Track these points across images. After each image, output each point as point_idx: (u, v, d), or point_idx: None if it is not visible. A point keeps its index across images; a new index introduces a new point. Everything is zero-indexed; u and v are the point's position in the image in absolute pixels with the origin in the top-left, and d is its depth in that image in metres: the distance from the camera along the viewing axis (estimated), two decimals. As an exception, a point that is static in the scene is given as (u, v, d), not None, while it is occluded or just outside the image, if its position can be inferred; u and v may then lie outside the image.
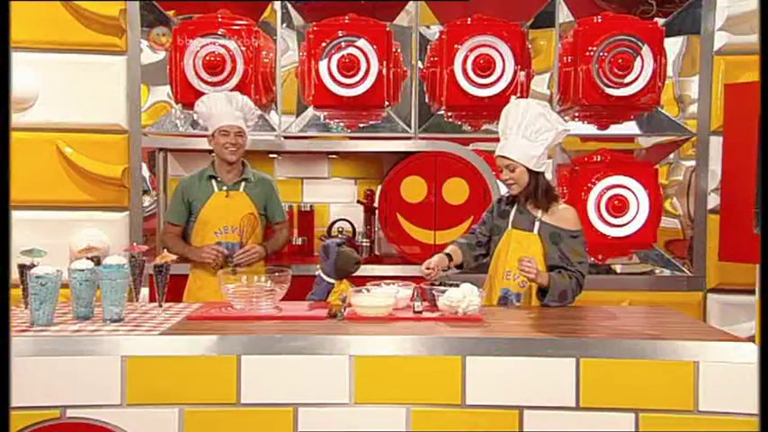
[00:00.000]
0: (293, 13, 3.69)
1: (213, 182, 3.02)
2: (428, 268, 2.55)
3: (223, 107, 2.96)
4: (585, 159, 3.71)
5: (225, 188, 3.00)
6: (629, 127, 3.68)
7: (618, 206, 3.51)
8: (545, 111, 2.52)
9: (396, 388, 1.95)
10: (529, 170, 2.53)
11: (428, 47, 3.69)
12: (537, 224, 2.56)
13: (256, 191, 3.05)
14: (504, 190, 3.55)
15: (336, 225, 3.89)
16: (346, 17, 3.50)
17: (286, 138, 3.66)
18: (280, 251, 3.25)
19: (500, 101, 3.48)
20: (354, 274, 2.42)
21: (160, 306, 2.37)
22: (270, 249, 3.05)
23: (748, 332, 3.34)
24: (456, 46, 3.46)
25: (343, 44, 3.44)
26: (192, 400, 1.94)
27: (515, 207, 2.64)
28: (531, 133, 2.48)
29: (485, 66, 3.43)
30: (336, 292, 2.36)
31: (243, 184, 3.03)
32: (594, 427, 1.92)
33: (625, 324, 2.30)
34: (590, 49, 3.44)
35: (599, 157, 3.70)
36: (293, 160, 3.98)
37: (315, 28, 3.48)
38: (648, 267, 3.73)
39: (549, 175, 3.62)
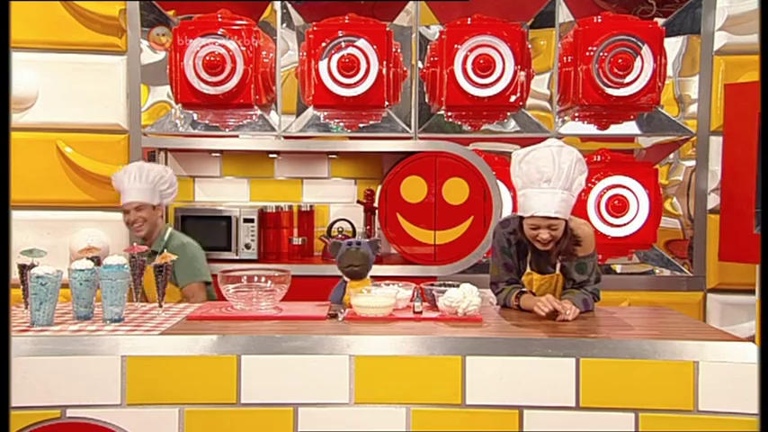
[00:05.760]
0: (293, 13, 3.69)
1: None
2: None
3: (124, 184, 2.93)
4: (585, 159, 3.70)
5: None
6: (629, 127, 3.68)
7: (618, 206, 3.51)
8: (576, 151, 2.28)
9: (396, 388, 1.95)
10: (566, 223, 2.29)
11: (428, 47, 3.68)
12: (558, 264, 2.41)
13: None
14: (506, 196, 3.57)
15: (336, 225, 3.89)
16: (346, 17, 3.50)
17: (286, 138, 3.66)
18: None
19: (500, 101, 3.50)
20: (372, 274, 2.44)
21: (160, 306, 2.37)
22: None
23: (748, 332, 3.34)
24: (456, 46, 3.46)
25: (343, 44, 3.44)
26: (192, 400, 1.94)
27: (530, 249, 2.43)
28: (570, 183, 2.22)
29: (485, 66, 3.43)
30: (351, 291, 2.37)
31: (155, 256, 2.69)
32: (594, 427, 1.92)
33: (625, 324, 2.29)
34: (590, 49, 3.44)
35: (599, 157, 3.70)
36: (293, 160, 3.98)
37: (315, 28, 3.48)
38: (648, 267, 3.73)
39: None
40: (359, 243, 2.39)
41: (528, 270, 2.48)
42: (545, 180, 2.22)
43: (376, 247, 2.44)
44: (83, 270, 2.15)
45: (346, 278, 2.39)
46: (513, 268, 2.48)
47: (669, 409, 1.93)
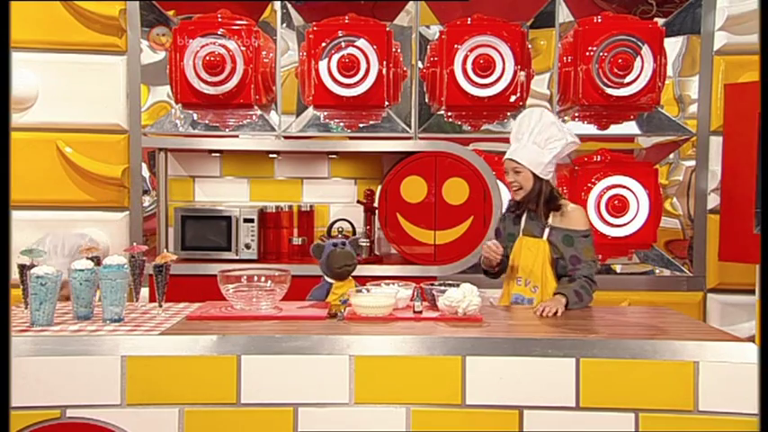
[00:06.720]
0: (293, 13, 3.69)
1: None
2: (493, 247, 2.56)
3: (50, 257, 2.76)
4: (585, 159, 3.71)
5: None
6: (629, 127, 3.68)
7: (618, 206, 3.51)
8: (557, 121, 2.63)
9: (396, 388, 1.95)
10: (535, 176, 2.57)
11: (428, 47, 3.68)
12: (547, 230, 2.60)
13: None
14: (506, 194, 3.57)
15: (336, 225, 3.89)
16: (346, 17, 3.50)
17: (286, 138, 3.66)
18: None
19: (500, 101, 3.50)
20: (353, 274, 2.42)
21: (160, 306, 2.37)
22: None
23: (748, 332, 3.34)
24: (456, 46, 3.46)
25: (343, 44, 3.44)
26: (192, 400, 1.94)
27: (526, 214, 2.68)
28: (541, 140, 2.55)
29: (485, 66, 3.43)
30: (336, 293, 2.36)
31: None
32: (594, 427, 1.92)
33: (625, 324, 2.30)
34: (590, 49, 3.44)
35: (599, 157, 3.70)
36: (293, 160, 3.98)
37: (315, 28, 3.48)
38: (648, 267, 3.73)
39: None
40: (344, 243, 2.39)
41: (521, 235, 2.67)
42: (520, 134, 2.60)
43: (358, 246, 2.48)
44: (83, 270, 2.15)
45: (332, 280, 2.39)
46: (500, 234, 2.78)
47: (669, 409, 1.93)
